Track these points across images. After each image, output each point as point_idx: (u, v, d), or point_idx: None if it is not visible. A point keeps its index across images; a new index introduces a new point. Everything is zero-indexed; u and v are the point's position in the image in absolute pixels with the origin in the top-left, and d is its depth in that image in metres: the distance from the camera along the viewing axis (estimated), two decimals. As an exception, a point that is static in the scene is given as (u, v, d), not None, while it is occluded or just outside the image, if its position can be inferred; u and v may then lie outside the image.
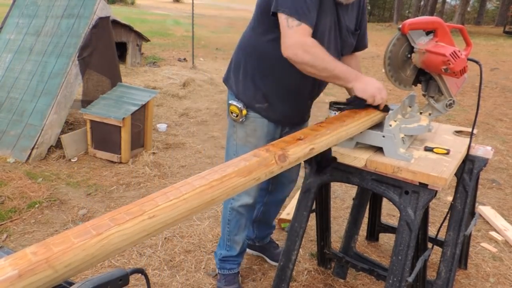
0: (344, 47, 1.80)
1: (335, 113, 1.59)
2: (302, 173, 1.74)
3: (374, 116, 1.55)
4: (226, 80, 1.97)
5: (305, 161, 1.62)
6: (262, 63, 1.78)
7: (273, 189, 2.27)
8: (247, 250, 2.45)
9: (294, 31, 1.51)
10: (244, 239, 2.14)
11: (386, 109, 1.60)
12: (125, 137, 3.60)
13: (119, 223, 0.79)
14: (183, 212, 0.89)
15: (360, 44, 1.93)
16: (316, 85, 1.84)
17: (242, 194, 1.98)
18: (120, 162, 3.66)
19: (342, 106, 1.60)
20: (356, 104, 1.57)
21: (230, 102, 1.87)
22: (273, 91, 1.81)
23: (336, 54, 1.77)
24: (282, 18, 1.53)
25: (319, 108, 4.91)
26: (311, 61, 1.51)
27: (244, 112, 1.83)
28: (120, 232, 0.78)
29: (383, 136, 1.54)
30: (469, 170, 1.84)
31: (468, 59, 1.53)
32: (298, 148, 1.21)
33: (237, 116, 1.85)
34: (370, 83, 1.55)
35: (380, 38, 15.80)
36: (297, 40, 1.51)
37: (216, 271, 2.23)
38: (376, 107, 1.58)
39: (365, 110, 1.55)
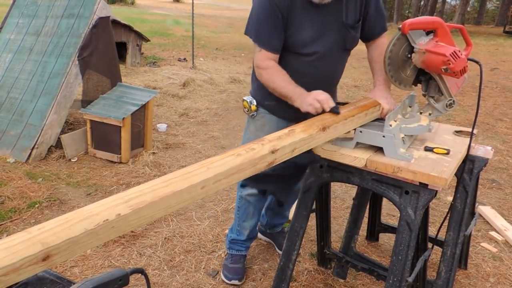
0: (346, 42, 1.84)
1: None
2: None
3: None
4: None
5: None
6: None
7: None
8: (259, 235, 2.62)
9: (256, 55, 1.79)
10: (252, 226, 2.27)
11: (335, 110, 1.53)
12: (125, 137, 3.60)
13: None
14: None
15: (375, 32, 1.90)
16: (324, 87, 1.81)
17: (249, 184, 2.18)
18: (120, 162, 3.66)
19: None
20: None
21: (243, 97, 2.05)
22: None
23: (337, 52, 1.84)
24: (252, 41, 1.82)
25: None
26: (265, 82, 1.79)
27: (253, 107, 2.00)
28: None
29: (383, 136, 1.54)
30: (469, 170, 1.84)
31: (468, 59, 1.53)
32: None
33: (248, 110, 2.02)
34: (305, 96, 1.63)
35: (380, 38, 15.74)
36: (256, 63, 1.81)
37: (226, 252, 2.36)
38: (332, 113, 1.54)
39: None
